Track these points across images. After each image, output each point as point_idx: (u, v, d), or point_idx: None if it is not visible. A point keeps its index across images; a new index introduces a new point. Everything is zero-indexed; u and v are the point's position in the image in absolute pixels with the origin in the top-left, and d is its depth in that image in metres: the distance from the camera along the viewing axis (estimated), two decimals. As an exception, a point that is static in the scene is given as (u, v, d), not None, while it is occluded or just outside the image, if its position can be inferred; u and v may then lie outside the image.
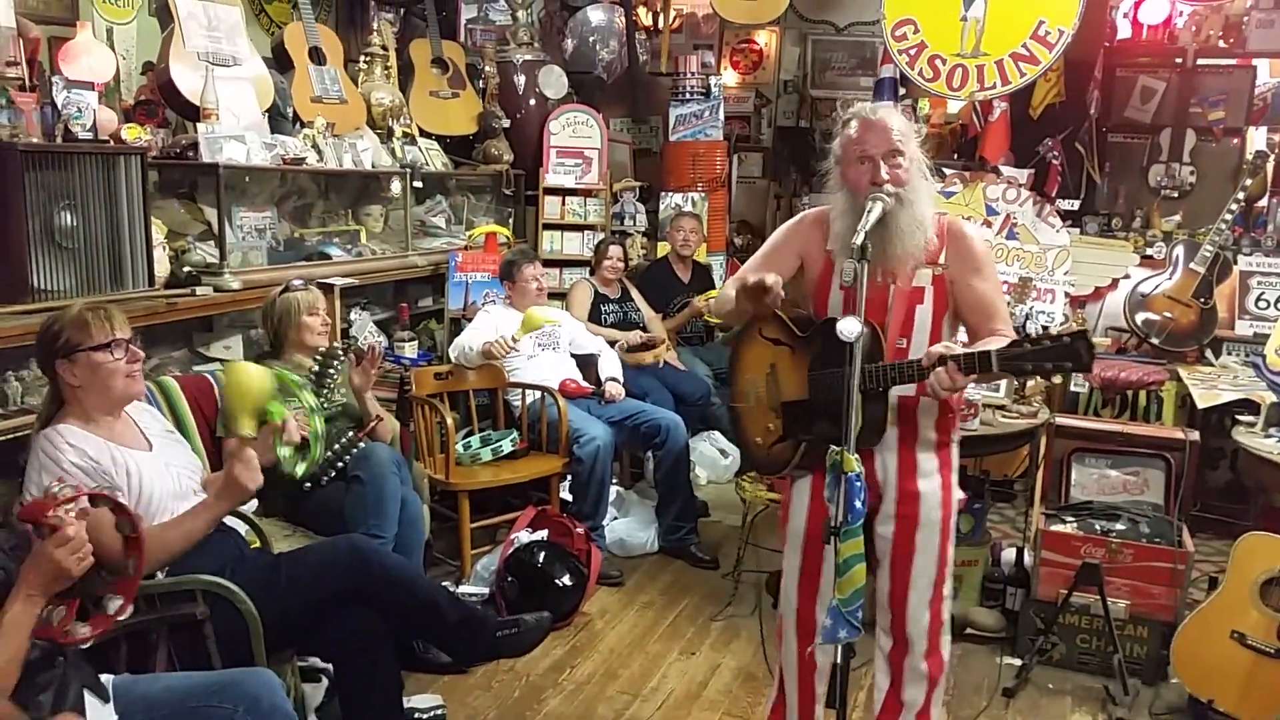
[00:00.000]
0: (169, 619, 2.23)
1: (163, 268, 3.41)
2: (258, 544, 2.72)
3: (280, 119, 4.30)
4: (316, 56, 4.43)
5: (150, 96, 3.86)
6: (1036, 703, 3.10)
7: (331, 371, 3.07)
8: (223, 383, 2.40)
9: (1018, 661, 3.26)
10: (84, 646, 1.89)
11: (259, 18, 4.94)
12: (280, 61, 4.42)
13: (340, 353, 3.11)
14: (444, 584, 3.50)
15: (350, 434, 3.15)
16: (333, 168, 4.21)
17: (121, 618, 1.94)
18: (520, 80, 5.54)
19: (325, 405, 3.04)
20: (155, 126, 3.76)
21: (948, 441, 2.35)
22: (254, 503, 3.00)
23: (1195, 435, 3.71)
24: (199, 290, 3.45)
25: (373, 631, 2.46)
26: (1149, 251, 4.92)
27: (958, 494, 2.39)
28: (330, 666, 2.69)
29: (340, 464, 3.09)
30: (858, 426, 2.12)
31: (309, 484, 3.06)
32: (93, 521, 1.81)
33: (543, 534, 3.58)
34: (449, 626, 2.59)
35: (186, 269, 3.51)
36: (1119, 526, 3.33)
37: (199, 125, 3.71)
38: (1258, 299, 4.63)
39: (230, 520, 2.64)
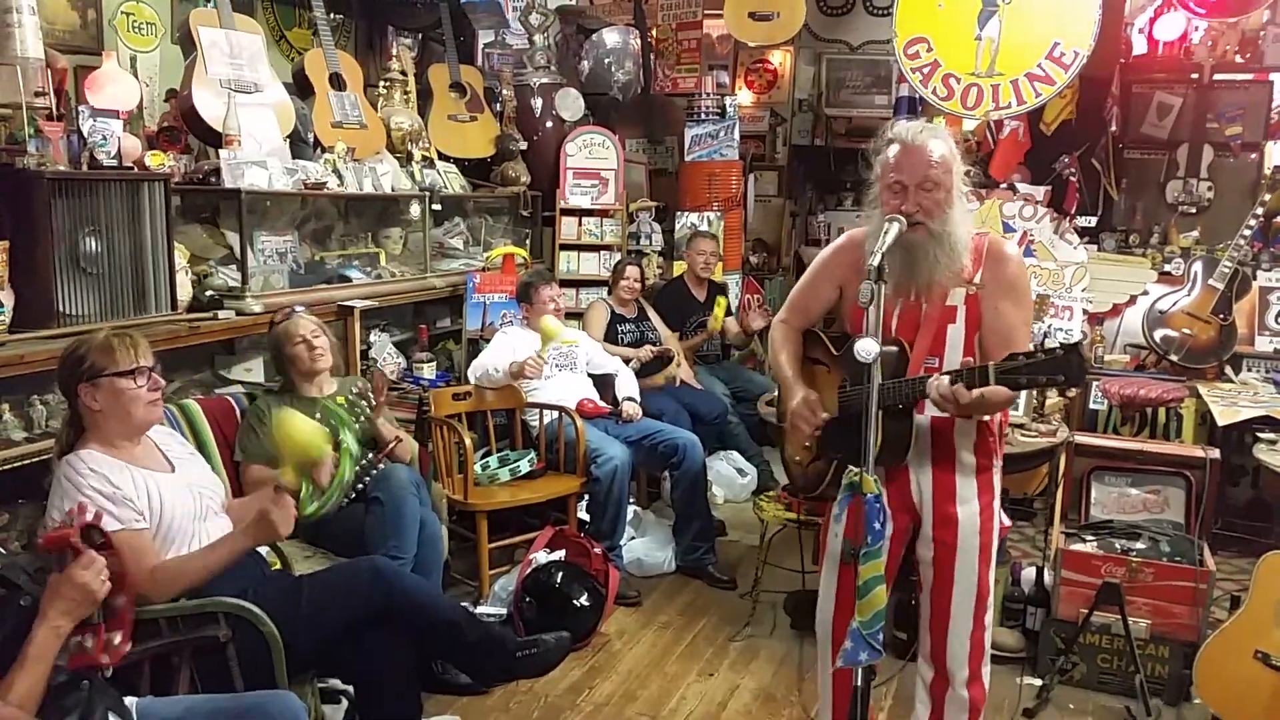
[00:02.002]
0: (192, 641, 2.25)
1: (185, 292, 3.46)
2: (279, 565, 2.74)
3: (301, 144, 4.36)
4: (336, 82, 4.49)
5: (173, 123, 3.92)
6: (1058, 723, 3.09)
7: (359, 410, 3.12)
8: (273, 427, 2.41)
9: (1038, 682, 3.24)
10: (108, 669, 1.91)
11: (279, 44, 5.01)
12: (301, 87, 4.48)
13: (369, 394, 3.16)
14: (463, 604, 3.52)
15: (370, 456, 3.18)
16: (353, 192, 4.26)
17: (123, 650, 1.93)
18: (537, 103, 5.58)
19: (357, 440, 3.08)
20: (178, 153, 3.82)
21: (989, 466, 2.34)
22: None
23: (1216, 453, 3.68)
24: (221, 314, 3.49)
25: (393, 653, 2.48)
26: (1167, 268, 4.91)
27: (1001, 520, 2.38)
28: (351, 688, 2.70)
29: (360, 486, 3.11)
30: (878, 444, 2.14)
31: (329, 506, 3.09)
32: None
33: (560, 554, 3.59)
34: (469, 647, 2.60)
35: (209, 293, 3.56)
36: (1139, 545, 3.32)
37: (221, 151, 3.77)
38: (1278, 315, 4.61)
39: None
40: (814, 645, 2.57)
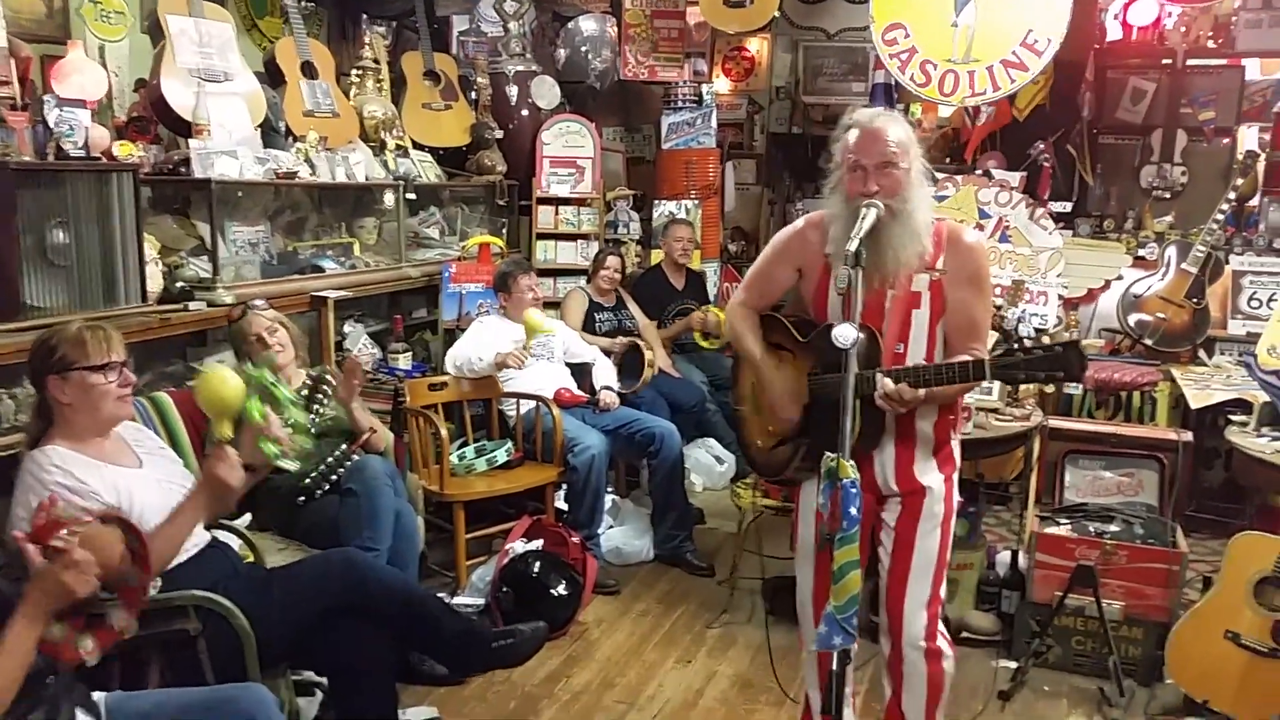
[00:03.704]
0: (162, 635, 2.23)
1: (156, 283, 3.43)
2: (251, 558, 2.72)
3: (273, 133, 4.32)
4: (308, 70, 4.45)
5: (142, 113, 3.87)
6: (1032, 705, 3.10)
7: (321, 393, 3.08)
8: (198, 390, 2.39)
9: (1013, 664, 3.26)
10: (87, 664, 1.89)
11: (250, 33, 4.96)
12: (272, 76, 4.44)
13: (329, 376, 3.13)
14: (439, 595, 3.50)
15: (343, 447, 3.16)
16: (325, 181, 4.23)
17: (126, 629, 1.93)
18: (513, 91, 5.55)
19: (317, 420, 3.04)
20: (148, 143, 3.78)
21: (947, 441, 2.38)
22: (247, 517, 3.02)
23: (1189, 436, 3.72)
24: (192, 305, 3.46)
25: (368, 645, 2.47)
26: (1141, 252, 4.93)
27: (957, 496, 2.41)
28: (325, 680, 2.69)
29: (334, 477, 3.10)
30: (857, 430, 2.15)
31: (303, 497, 3.07)
32: (97, 542, 1.81)
33: (538, 544, 3.58)
34: (445, 638, 2.60)
35: (179, 284, 3.52)
36: (1113, 528, 3.34)
37: (191, 141, 3.73)
38: (1250, 298, 4.64)
39: (223, 535, 2.66)
40: (791, 631, 2.58)
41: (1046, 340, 2.08)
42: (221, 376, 2.38)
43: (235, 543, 2.72)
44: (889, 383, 2.12)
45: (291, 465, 2.53)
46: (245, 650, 2.28)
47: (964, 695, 3.14)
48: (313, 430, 2.82)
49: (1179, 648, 2.91)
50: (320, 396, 3.07)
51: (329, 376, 3.15)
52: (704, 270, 5.62)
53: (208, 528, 2.57)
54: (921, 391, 2.12)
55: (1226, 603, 2.82)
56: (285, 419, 2.45)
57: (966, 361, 2.12)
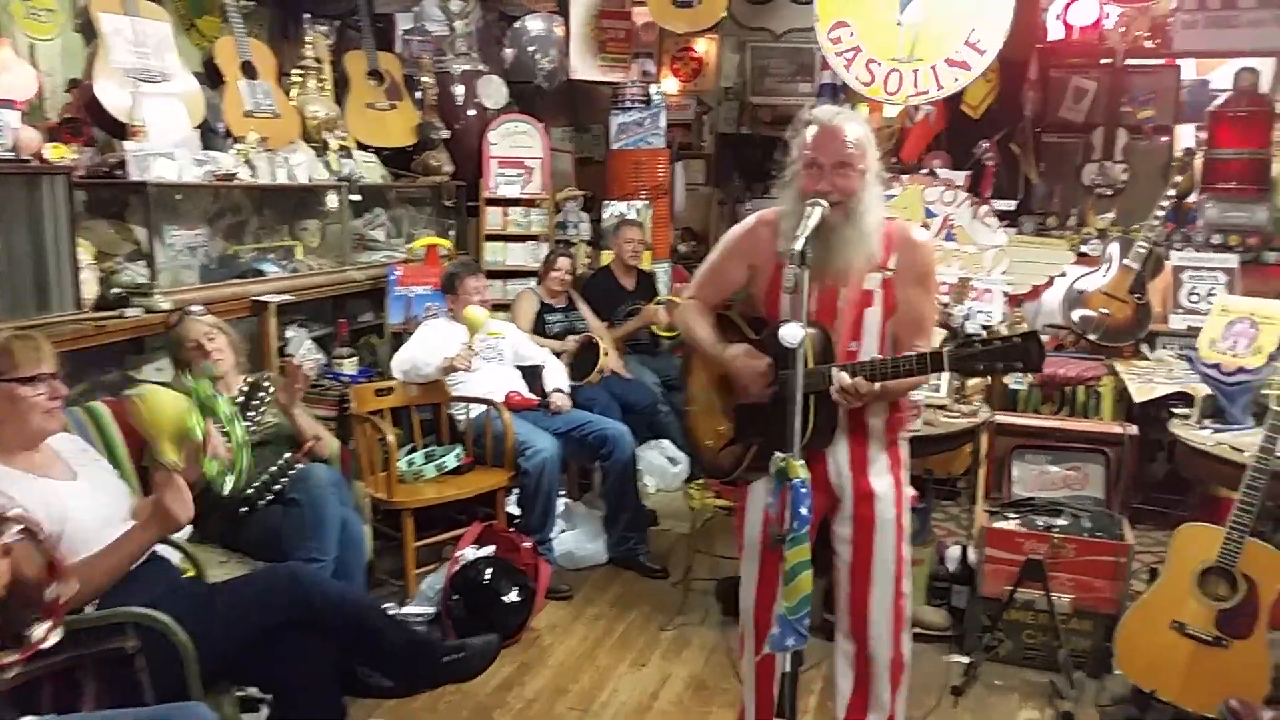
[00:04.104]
0: (97, 654, 2.16)
1: (91, 289, 3.34)
2: (192, 573, 2.65)
3: (212, 134, 4.24)
4: (248, 70, 4.37)
5: (75, 114, 3.77)
6: (985, 700, 3.12)
7: (258, 400, 3.01)
8: (138, 411, 2.32)
9: (965, 659, 3.28)
10: (8, 682, 1.82)
11: (189, 32, 4.84)
12: (211, 76, 4.36)
13: (266, 379, 3.06)
14: (388, 605, 3.45)
15: (287, 455, 3.09)
16: (266, 183, 4.15)
17: (49, 643, 1.86)
18: (459, 91, 5.50)
19: (257, 429, 2.97)
20: (81, 145, 3.68)
21: (895, 440, 2.39)
22: (188, 529, 2.93)
23: (1134, 429, 3.77)
24: (129, 312, 3.38)
25: (313, 660, 2.42)
26: (1084, 249, 4.99)
27: (909, 491, 2.42)
28: (270, 696, 2.62)
29: (277, 486, 3.03)
30: (811, 428, 2.14)
31: (245, 508, 3.00)
32: (13, 555, 1.75)
33: (489, 550, 3.53)
34: (393, 653, 2.55)
35: (116, 290, 3.43)
36: (1061, 522, 3.37)
37: (127, 143, 3.64)
38: (1190, 293, 4.73)
39: (163, 549, 2.58)
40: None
41: (1001, 333, 2.08)
42: (162, 396, 2.32)
43: (175, 557, 2.65)
44: (845, 377, 2.12)
45: (230, 485, 2.46)
46: (186, 667, 2.21)
47: (917, 691, 3.13)
48: (251, 441, 2.76)
49: (1127, 639, 2.94)
50: (256, 404, 2.99)
51: (265, 382, 3.08)
52: (654, 271, 5.60)
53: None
54: (877, 385, 2.12)
55: (1172, 593, 2.86)
56: (226, 434, 2.39)
57: (924, 353, 2.12)
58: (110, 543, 2.24)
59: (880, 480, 2.33)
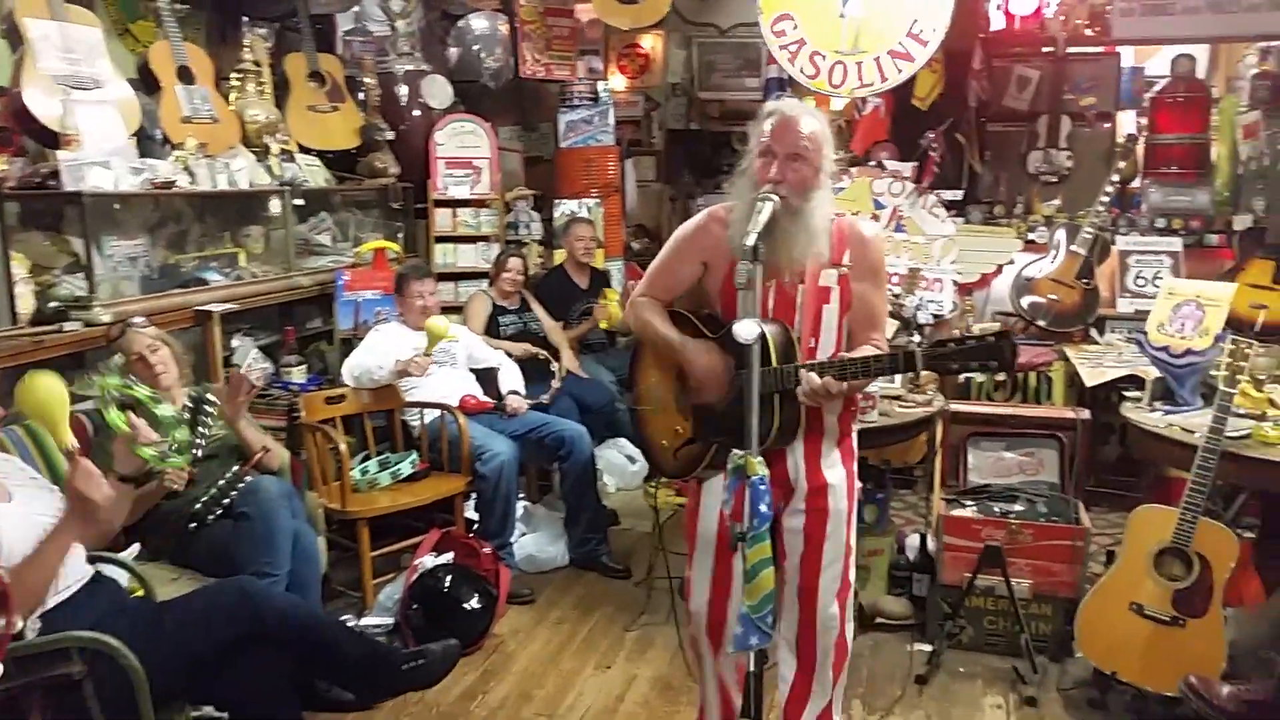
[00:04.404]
0: (42, 682, 2.08)
1: (27, 304, 3.25)
2: (141, 592, 2.57)
3: (149, 142, 4.13)
4: (185, 75, 4.26)
5: (4, 124, 3.65)
6: (949, 688, 3.14)
7: (204, 413, 2.93)
8: (22, 403, 2.25)
9: (928, 647, 3.30)
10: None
11: (122, 38, 4.73)
12: (147, 82, 4.25)
13: (209, 394, 2.98)
14: (346, 617, 3.40)
15: (235, 468, 3.02)
16: (206, 189, 4.05)
17: None
18: (403, 91, 5.41)
19: (205, 442, 2.90)
20: (11, 155, 3.57)
21: (848, 432, 2.39)
22: (135, 548, 2.86)
23: (1086, 414, 3.81)
24: (67, 326, 3.28)
25: (269, 677, 2.36)
26: (1031, 236, 5.04)
27: (858, 483, 2.43)
28: (226, 715, 2.56)
29: (226, 500, 2.95)
30: (775, 426, 2.14)
31: (194, 523, 2.92)
32: None
33: (448, 557, 3.49)
34: (350, 665, 2.49)
35: (53, 304, 3.33)
36: (1017, 507, 3.40)
37: (59, 152, 3.54)
38: (1136, 277, 4.80)
39: (109, 570, 2.51)
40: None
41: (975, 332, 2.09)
42: (43, 380, 2.25)
43: (123, 577, 2.57)
44: (815, 377, 2.10)
45: (178, 461, 2.38)
46: (137, 690, 2.15)
47: (881, 681, 3.16)
48: (198, 454, 2.70)
49: (1087, 622, 2.97)
50: (203, 418, 2.91)
51: (210, 395, 3.00)
52: (608, 269, 5.57)
53: (91, 561, 2.43)
54: (845, 384, 2.11)
55: (1129, 575, 2.89)
56: (156, 419, 2.32)
57: (896, 353, 2.13)
58: (33, 550, 2.15)
59: (833, 472, 2.33)
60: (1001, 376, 4.47)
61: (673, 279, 2.41)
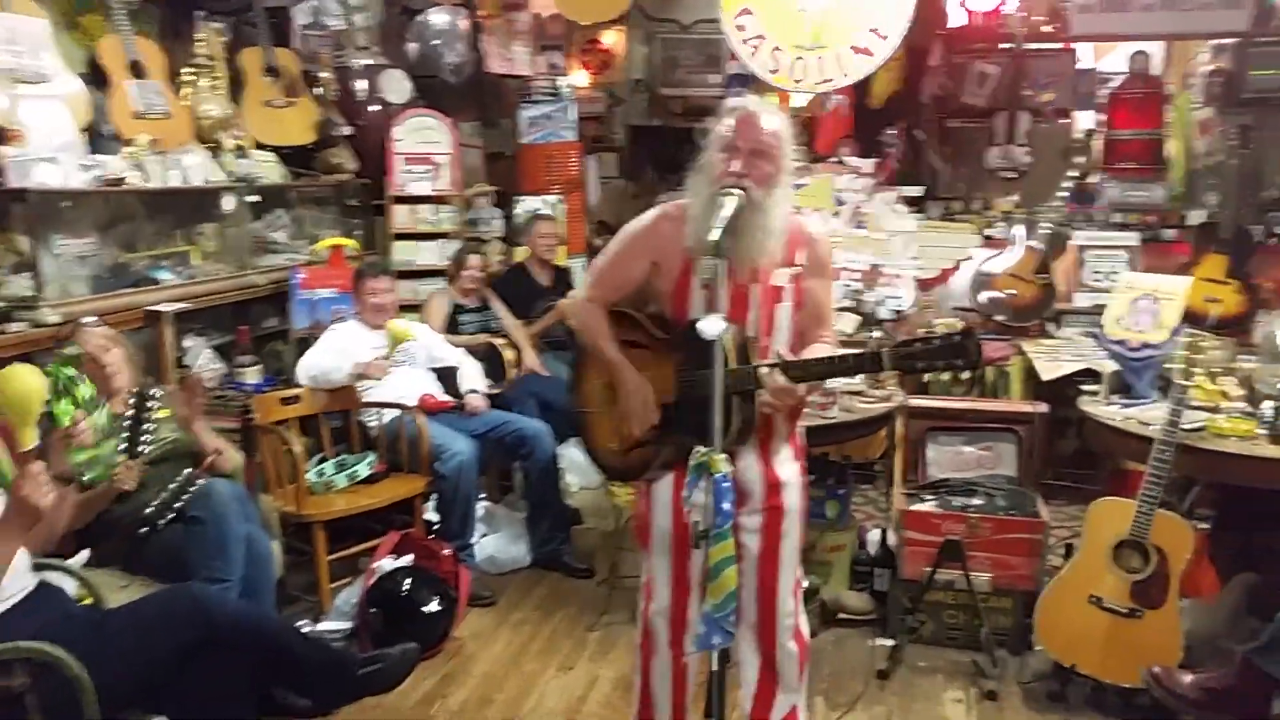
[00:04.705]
0: (-18, 694, 2.03)
1: (-30, 304, 3.17)
2: (90, 600, 2.51)
3: (99, 138, 4.05)
4: (137, 70, 4.18)
5: (-55, 119, 3.56)
6: (910, 682, 3.15)
7: (148, 410, 2.85)
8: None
9: (890, 642, 3.30)
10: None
11: (71, 31, 4.62)
12: (97, 77, 4.16)
13: (152, 390, 2.91)
14: (302, 622, 3.34)
15: (187, 471, 2.95)
16: (158, 186, 3.98)
17: None
18: (361, 86, 5.35)
19: (152, 444, 2.83)
20: (-48, 152, 3.47)
21: (794, 430, 2.39)
22: (84, 554, 2.80)
23: (1044, 407, 3.83)
24: (13, 326, 3.23)
25: (223, 684, 2.31)
26: (990, 232, 5.07)
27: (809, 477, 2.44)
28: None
29: (178, 504, 2.88)
30: (737, 426, 2.12)
31: (145, 528, 2.85)
32: None
33: (407, 559, 3.44)
34: (306, 671, 2.45)
35: (-1, 304, 3.25)
36: (976, 501, 3.41)
37: (4, 148, 3.46)
38: (1093, 272, 4.85)
39: (55, 578, 2.45)
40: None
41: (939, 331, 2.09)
42: (22, 372, 2.19)
43: (70, 584, 2.51)
44: (780, 378, 2.09)
45: (93, 475, 2.31)
46: (83, 701, 2.09)
47: (844, 677, 3.16)
48: (139, 455, 2.63)
49: (1046, 615, 2.99)
50: (147, 417, 2.82)
51: (154, 392, 2.92)
52: (570, 266, 5.53)
53: (36, 568, 2.36)
54: (805, 385, 2.12)
55: (1088, 568, 2.91)
56: (90, 423, 2.26)
57: (862, 353, 2.14)
58: None
59: (786, 469, 2.33)
60: (965, 375, 4.50)
61: (622, 278, 2.35)
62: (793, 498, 2.33)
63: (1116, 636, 2.83)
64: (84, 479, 2.34)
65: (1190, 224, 4.81)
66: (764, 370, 2.11)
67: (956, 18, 5.65)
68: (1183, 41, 5.46)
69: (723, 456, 1.93)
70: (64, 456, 2.18)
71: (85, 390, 2.26)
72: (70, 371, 2.24)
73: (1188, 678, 2.66)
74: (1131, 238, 4.85)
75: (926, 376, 4.46)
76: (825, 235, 2.40)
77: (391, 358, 3.81)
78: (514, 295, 5.00)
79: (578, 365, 2.47)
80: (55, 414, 2.18)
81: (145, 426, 2.77)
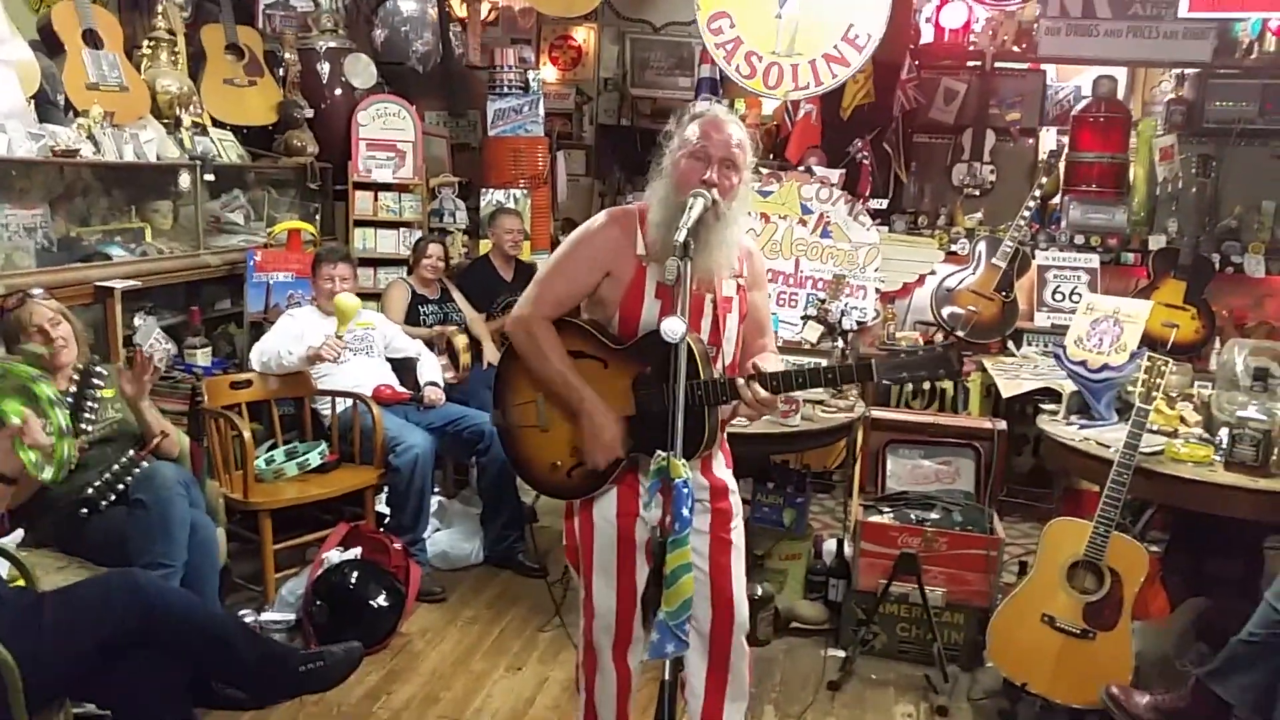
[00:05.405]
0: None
1: (-94, 273, 3.03)
2: (21, 582, 2.41)
3: (50, 107, 3.90)
4: (92, 39, 4.04)
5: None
6: (861, 695, 3.13)
7: (93, 387, 2.74)
8: None
9: (842, 653, 3.29)
10: None
11: (25, -4, 4.47)
12: (49, 44, 4.02)
13: (98, 367, 2.80)
14: (245, 612, 3.25)
15: (130, 452, 2.85)
16: (112, 160, 3.85)
17: None
18: (325, 68, 5.24)
19: (95, 423, 2.73)
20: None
21: (724, 437, 2.37)
22: (18, 533, 2.69)
23: (1003, 424, 3.85)
24: (-48, 298, 3.07)
25: (156, 674, 2.23)
26: (954, 248, 5.10)
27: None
28: (109, 714, 2.41)
29: (120, 486, 2.79)
30: (706, 438, 2.11)
31: (85, 509, 2.76)
32: None
33: (356, 552, 3.36)
34: (245, 665, 2.37)
35: (-64, 274, 3.12)
36: (933, 515, 3.42)
37: (-52, 112, 3.31)
38: (1054, 292, 4.89)
39: (-15, 558, 2.34)
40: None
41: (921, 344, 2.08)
42: None
43: (2, 565, 2.41)
44: (760, 389, 2.06)
45: (49, 475, 2.21)
46: (9, 687, 2.00)
47: (794, 687, 3.14)
48: (82, 434, 2.53)
49: (999, 632, 2.98)
50: (91, 393, 2.71)
51: (100, 369, 2.81)
52: (535, 261, 5.46)
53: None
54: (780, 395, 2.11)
55: (1041, 587, 2.91)
56: (48, 423, 2.16)
57: (849, 365, 2.15)
58: None
59: (724, 473, 2.31)
60: (927, 386, 4.51)
61: (575, 286, 2.22)
62: (736, 500, 2.33)
63: (1068, 656, 2.84)
64: (44, 479, 2.23)
65: (1150, 249, 4.87)
66: (740, 382, 2.08)
67: (926, 34, 5.68)
68: (1146, 68, 5.55)
69: (683, 462, 1.91)
70: (10, 455, 2.08)
71: (47, 390, 2.16)
72: (33, 372, 2.14)
73: (1144, 699, 2.67)
74: (1093, 259, 4.90)
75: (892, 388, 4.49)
76: (758, 248, 2.44)
77: (342, 337, 3.70)
78: (476, 288, 4.94)
79: (503, 378, 2.34)
80: (4, 409, 2.09)
81: (89, 404, 2.67)
